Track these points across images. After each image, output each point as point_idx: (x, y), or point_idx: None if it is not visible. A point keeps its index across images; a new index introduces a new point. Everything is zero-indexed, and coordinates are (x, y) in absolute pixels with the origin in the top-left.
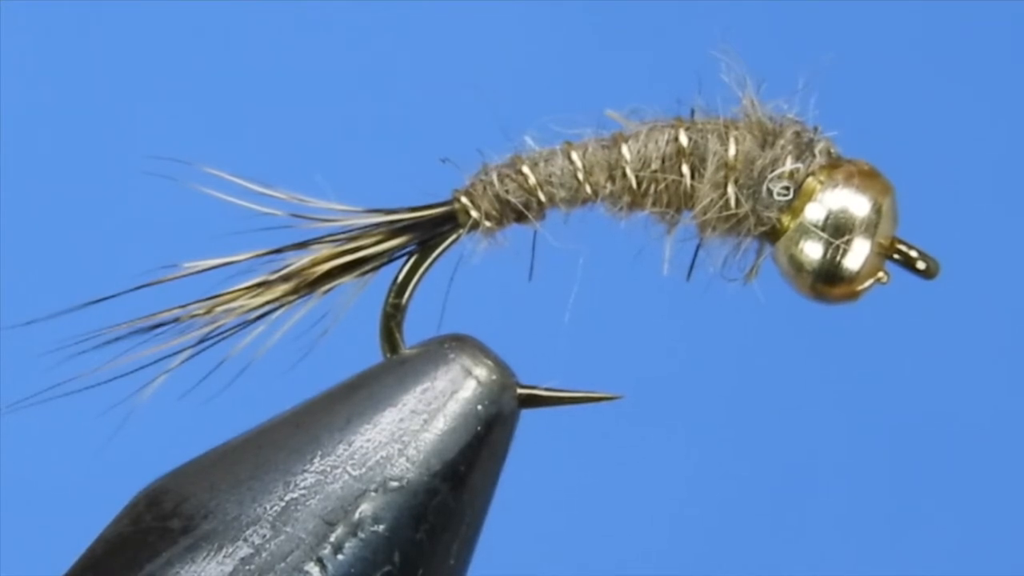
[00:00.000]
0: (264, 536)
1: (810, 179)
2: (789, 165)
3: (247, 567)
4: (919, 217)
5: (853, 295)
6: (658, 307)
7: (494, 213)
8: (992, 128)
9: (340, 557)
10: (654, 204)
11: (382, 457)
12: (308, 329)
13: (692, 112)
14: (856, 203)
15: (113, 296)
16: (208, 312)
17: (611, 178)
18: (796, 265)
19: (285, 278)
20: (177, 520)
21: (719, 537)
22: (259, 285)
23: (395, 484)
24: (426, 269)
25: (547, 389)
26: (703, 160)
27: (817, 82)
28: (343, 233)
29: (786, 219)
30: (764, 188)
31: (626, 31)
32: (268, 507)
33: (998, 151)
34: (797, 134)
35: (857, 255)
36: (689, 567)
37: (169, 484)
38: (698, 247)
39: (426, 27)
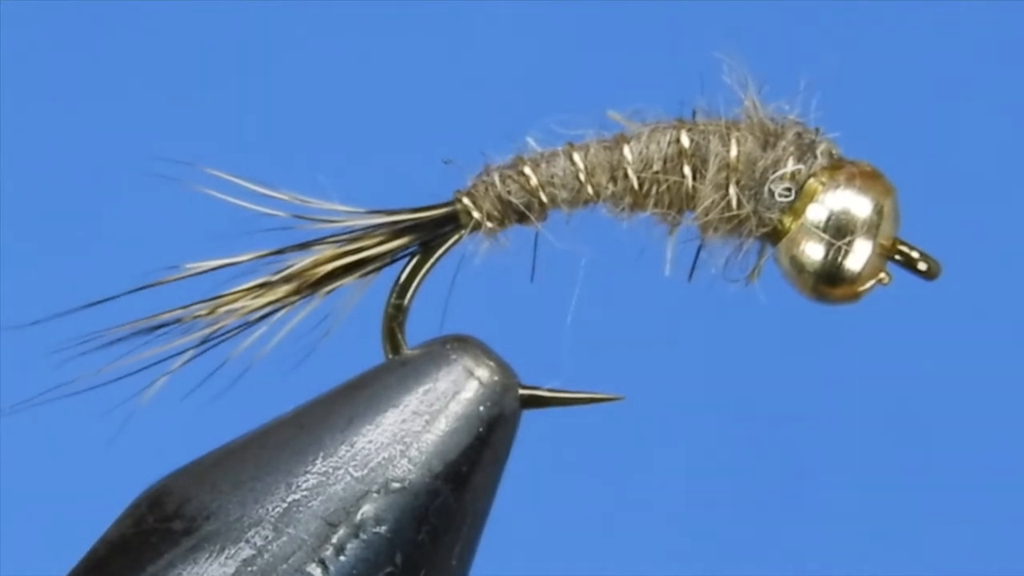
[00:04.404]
0: (266, 537)
1: (812, 180)
2: (791, 166)
3: (249, 568)
4: (921, 218)
5: (854, 296)
6: (660, 308)
7: (496, 214)
8: (993, 129)
9: (342, 558)
10: (656, 205)
11: (384, 458)
12: (310, 330)
13: (694, 113)
14: (858, 204)
15: (115, 297)
16: (210, 313)
17: (613, 179)
18: (798, 266)
19: (287, 279)
20: (179, 521)
21: (720, 537)
22: (261, 286)
23: (397, 485)
24: (428, 270)
25: (549, 390)
26: (705, 161)
27: (819, 83)
28: (345, 234)
29: (788, 220)
30: (766, 189)
31: (628, 32)
32: (270, 508)
33: (999, 152)
34: (799, 135)
35: (859, 256)
36: (689, 567)
37: (171, 485)
38: (700, 248)
39: (428, 27)
